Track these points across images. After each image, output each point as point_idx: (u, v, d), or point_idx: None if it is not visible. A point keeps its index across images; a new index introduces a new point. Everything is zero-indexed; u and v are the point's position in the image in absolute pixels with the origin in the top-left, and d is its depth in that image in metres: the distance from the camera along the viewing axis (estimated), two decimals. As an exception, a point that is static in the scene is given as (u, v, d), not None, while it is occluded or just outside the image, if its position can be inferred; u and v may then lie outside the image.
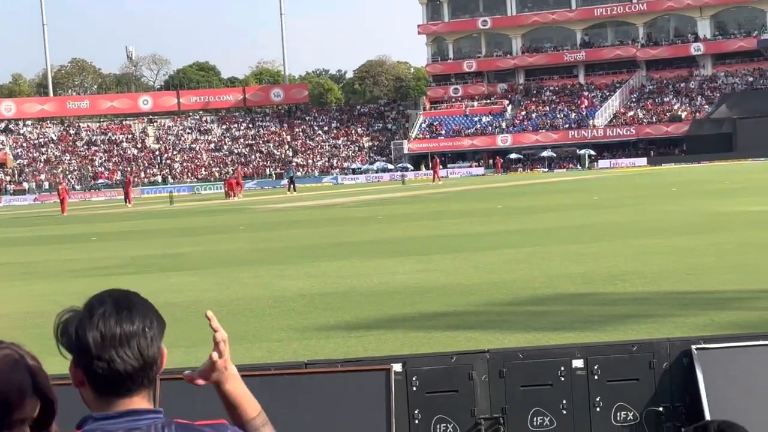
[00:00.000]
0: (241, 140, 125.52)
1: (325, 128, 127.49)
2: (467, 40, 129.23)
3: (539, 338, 10.93)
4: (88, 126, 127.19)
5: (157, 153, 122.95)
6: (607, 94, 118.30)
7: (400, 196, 57.25)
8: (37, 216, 60.69)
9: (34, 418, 2.33)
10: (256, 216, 44.86)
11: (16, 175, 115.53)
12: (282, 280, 18.24)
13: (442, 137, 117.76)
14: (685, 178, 59.48)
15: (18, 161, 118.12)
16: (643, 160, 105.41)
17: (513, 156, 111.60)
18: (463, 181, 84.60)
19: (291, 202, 57.23)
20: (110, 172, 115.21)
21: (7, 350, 2.34)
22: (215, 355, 2.72)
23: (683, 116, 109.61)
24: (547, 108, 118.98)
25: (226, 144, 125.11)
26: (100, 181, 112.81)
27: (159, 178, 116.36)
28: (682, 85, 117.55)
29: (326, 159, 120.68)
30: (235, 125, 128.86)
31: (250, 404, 2.80)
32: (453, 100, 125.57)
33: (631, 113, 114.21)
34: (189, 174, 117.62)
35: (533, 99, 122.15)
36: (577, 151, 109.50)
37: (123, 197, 73.07)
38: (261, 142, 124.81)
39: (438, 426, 5.05)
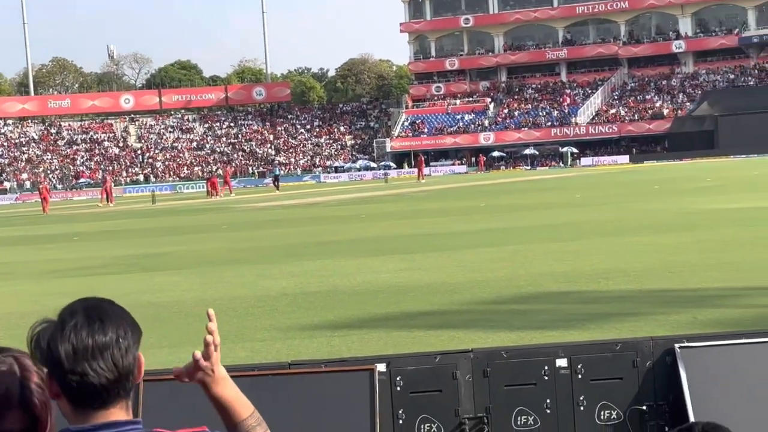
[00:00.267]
0: (224, 139, 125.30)
1: (308, 127, 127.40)
2: (449, 38, 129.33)
3: (523, 337, 10.94)
4: (69, 125, 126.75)
5: (139, 152, 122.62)
6: (589, 91, 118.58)
7: (383, 195, 57.24)
8: (19, 216, 60.44)
9: (20, 430, 2.32)
10: (238, 215, 44.79)
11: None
12: (265, 279, 18.21)
13: (425, 135, 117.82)
14: (667, 176, 59.65)
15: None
16: (626, 158, 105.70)
17: (495, 154, 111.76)
18: (446, 180, 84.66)
19: (274, 201, 57.15)
20: (92, 172, 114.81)
21: (4, 360, 2.33)
22: (198, 354, 2.67)
23: (666, 113, 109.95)
24: (530, 106, 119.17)
25: (208, 143, 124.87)
26: (82, 180, 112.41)
27: (141, 177, 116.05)
28: (664, 82, 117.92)
29: (309, 157, 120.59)
30: (218, 124, 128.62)
31: (241, 406, 2.74)
32: (435, 98, 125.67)
33: (613, 111, 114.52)
34: (171, 173, 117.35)
35: (515, 97, 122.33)
36: (560, 148, 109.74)
37: (101, 196, 72.77)
38: (243, 140, 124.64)
39: (422, 426, 5.05)
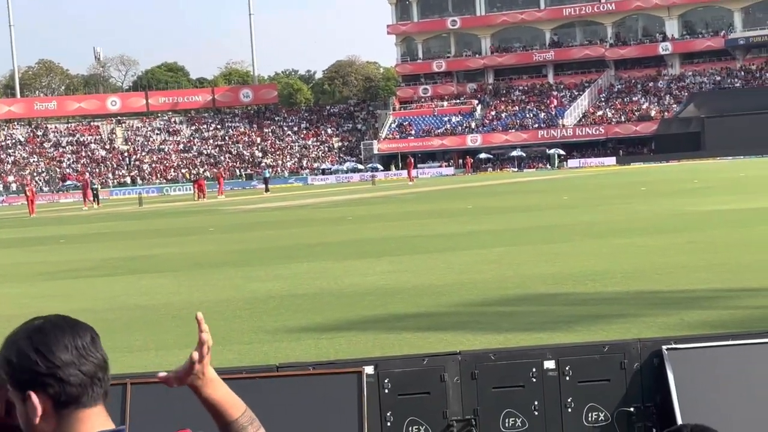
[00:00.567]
0: (211, 141, 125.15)
1: (295, 129, 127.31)
2: (436, 40, 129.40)
3: (510, 339, 10.95)
4: (55, 127, 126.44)
5: (125, 154, 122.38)
6: (576, 93, 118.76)
7: (371, 197, 57.23)
8: (5, 218, 60.26)
9: None
10: (226, 217, 44.74)
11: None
12: (253, 282, 18.19)
13: (412, 137, 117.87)
14: (654, 178, 59.78)
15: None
16: (612, 160, 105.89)
17: (483, 156, 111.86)
18: (434, 182, 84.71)
19: (261, 203, 57.11)
20: (78, 174, 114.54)
21: None
22: (195, 355, 2.65)
23: (652, 115, 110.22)
24: (517, 108, 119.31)
25: (195, 145, 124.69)
26: (69, 182, 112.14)
27: (128, 180, 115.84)
28: (651, 84, 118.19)
29: (296, 159, 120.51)
30: (204, 126, 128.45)
31: (232, 406, 2.72)
32: (422, 100, 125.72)
33: (600, 113, 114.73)
34: (158, 175, 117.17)
35: (502, 99, 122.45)
36: (547, 150, 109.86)
37: (83, 199, 72.52)
38: (230, 142, 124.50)
39: (410, 428, 5.05)
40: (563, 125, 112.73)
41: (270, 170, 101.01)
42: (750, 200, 32.40)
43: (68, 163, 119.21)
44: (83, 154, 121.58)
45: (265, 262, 21.75)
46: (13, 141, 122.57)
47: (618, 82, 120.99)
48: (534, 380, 5.09)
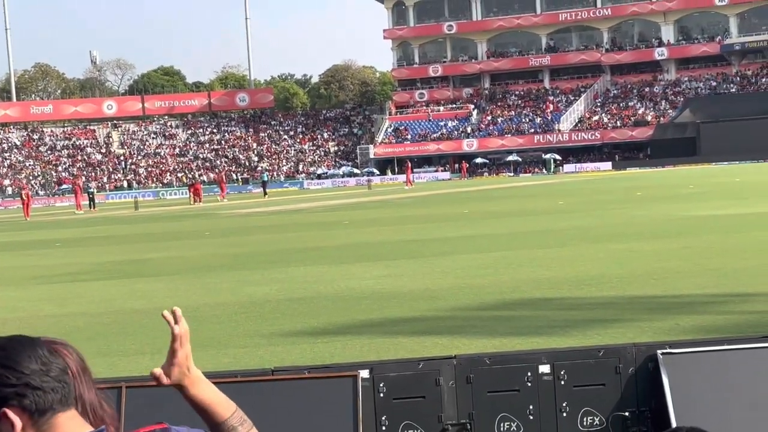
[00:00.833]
0: (207, 145, 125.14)
1: (291, 133, 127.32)
2: (433, 44, 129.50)
3: (506, 343, 10.95)
4: (51, 131, 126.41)
5: (121, 158, 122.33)
6: (572, 98, 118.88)
7: (367, 201, 57.24)
8: (0, 222, 60.20)
9: None
10: (222, 221, 44.72)
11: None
12: (248, 285, 18.19)
13: (408, 142, 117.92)
14: (649, 183, 59.83)
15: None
16: (608, 165, 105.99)
17: (479, 160, 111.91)
18: (430, 186, 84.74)
19: (257, 207, 57.11)
20: (74, 178, 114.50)
21: None
22: (157, 371, 2.68)
23: (648, 120, 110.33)
24: (513, 112, 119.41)
25: (191, 149, 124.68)
26: (64, 186, 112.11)
27: (124, 183, 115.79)
28: (647, 89, 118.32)
29: (292, 164, 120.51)
30: (201, 130, 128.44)
31: (220, 406, 2.73)
32: (419, 104, 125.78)
33: (596, 118, 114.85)
34: (154, 179, 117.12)
35: (499, 104, 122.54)
36: (543, 155, 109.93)
37: (76, 204, 72.35)
38: (226, 147, 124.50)
39: (405, 432, 5.05)
40: (559, 130, 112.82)
41: (268, 175, 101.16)
42: (745, 205, 32.44)
43: (64, 166, 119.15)
44: (79, 157, 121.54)
45: (261, 265, 21.75)
46: (9, 145, 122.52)
47: (614, 87, 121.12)
48: (529, 384, 5.09)
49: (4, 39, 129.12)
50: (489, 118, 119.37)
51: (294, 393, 4.95)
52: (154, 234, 36.86)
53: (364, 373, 5.03)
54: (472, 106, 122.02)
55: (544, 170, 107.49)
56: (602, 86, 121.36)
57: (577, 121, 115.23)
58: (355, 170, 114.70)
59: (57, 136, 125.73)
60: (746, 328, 10.98)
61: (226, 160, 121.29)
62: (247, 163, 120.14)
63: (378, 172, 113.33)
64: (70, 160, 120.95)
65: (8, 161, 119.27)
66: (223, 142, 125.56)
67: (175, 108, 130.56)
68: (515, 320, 12.78)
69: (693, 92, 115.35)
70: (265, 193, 79.20)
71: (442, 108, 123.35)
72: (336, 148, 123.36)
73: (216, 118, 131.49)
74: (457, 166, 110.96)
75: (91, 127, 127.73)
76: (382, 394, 5.02)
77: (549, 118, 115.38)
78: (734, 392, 4.96)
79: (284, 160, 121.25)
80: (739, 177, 59.12)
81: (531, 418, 5.09)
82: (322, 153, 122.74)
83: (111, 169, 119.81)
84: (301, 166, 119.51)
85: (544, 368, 5.11)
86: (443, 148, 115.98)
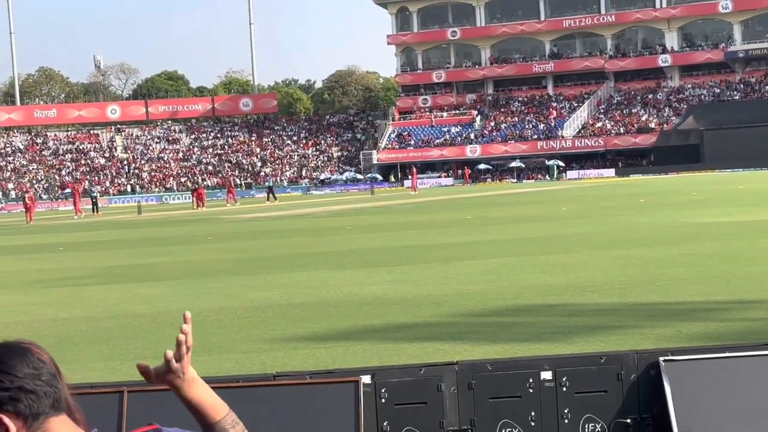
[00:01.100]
0: (210, 150, 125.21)
1: (294, 138, 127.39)
2: (436, 50, 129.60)
3: (508, 350, 10.94)
4: (55, 135, 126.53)
5: (125, 162, 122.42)
6: (576, 105, 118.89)
7: (370, 207, 57.25)
8: (3, 225, 60.25)
9: None
10: (225, 226, 44.73)
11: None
12: (251, 290, 18.19)
13: (411, 147, 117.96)
14: (652, 190, 59.80)
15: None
16: (611, 171, 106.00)
17: (482, 167, 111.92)
18: (433, 192, 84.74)
19: (260, 212, 57.12)
20: (78, 182, 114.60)
21: None
22: (169, 353, 2.67)
23: (652, 127, 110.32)
24: (516, 119, 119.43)
25: (194, 154, 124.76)
26: (68, 190, 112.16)
27: (128, 188, 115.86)
28: (650, 96, 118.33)
29: (295, 169, 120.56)
30: (204, 135, 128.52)
31: (213, 407, 2.74)
32: (422, 110, 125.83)
33: (599, 124, 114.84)
34: (157, 184, 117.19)
35: (502, 110, 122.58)
36: (546, 161, 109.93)
37: (74, 207, 71.94)
38: (230, 152, 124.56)
39: (407, 438, 5.05)
40: (562, 136, 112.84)
41: (274, 180, 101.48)
42: (748, 213, 32.43)
43: (68, 171, 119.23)
44: (83, 162, 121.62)
45: (263, 271, 21.75)
46: (13, 148, 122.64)
47: (617, 93, 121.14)
48: (531, 391, 5.09)
49: (9, 43, 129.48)
50: (492, 124, 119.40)
51: (296, 398, 4.96)
52: (157, 238, 36.88)
53: (366, 379, 5.03)
54: (476, 112, 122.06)
55: (547, 177, 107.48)
56: (606, 93, 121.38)
57: (580, 127, 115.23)
58: (359, 176, 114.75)
59: (60, 140, 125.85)
60: (749, 335, 10.97)
61: (230, 165, 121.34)
62: (250, 168, 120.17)
63: (381, 178, 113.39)
64: (73, 164, 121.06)
65: (12, 165, 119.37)
66: (226, 147, 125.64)
67: (179, 113, 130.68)
68: (517, 326, 12.77)
69: (696, 99, 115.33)
70: (275, 198, 79.26)
71: (445, 114, 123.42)
72: (339, 154, 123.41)
73: (219, 123, 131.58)
74: (460, 172, 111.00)
75: (95, 132, 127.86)
76: (383, 400, 5.03)
77: (552, 124, 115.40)
78: (736, 399, 4.96)
79: (287, 166, 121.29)
80: (743, 184, 59.09)
81: (533, 424, 5.09)
82: (326, 158, 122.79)
83: (114, 174, 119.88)
84: (304, 172, 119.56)
85: (546, 375, 5.11)
86: (446, 154, 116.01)
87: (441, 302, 15.27)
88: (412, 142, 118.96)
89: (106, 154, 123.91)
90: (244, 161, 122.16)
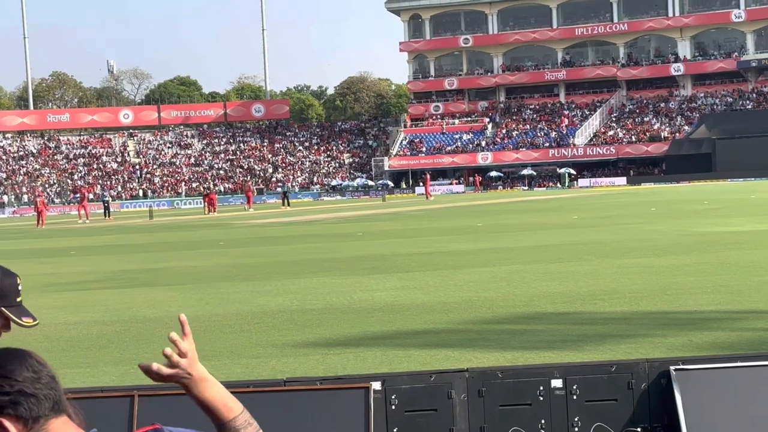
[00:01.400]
0: (222, 155, 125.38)
1: (306, 144, 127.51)
2: (448, 57, 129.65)
3: (518, 357, 10.93)
4: (68, 139, 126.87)
5: (137, 167, 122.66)
6: (588, 113, 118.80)
7: (381, 213, 57.24)
8: (15, 229, 60.39)
9: None
10: (236, 231, 44.76)
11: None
12: (261, 296, 18.19)
13: (423, 154, 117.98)
14: (664, 198, 59.69)
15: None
16: (623, 180, 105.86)
17: (493, 174, 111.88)
18: (444, 199, 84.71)
19: (272, 218, 57.18)
20: (90, 186, 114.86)
21: None
22: (167, 351, 2.70)
23: (663, 136, 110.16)
24: (528, 126, 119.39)
25: (206, 159, 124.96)
26: (79, 195, 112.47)
27: (140, 193, 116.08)
28: (662, 105, 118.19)
29: (307, 175, 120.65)
30: (216, 140, 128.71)
31: (225, 406, 2.75)
32: (434, 117, 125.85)
33: (611, 132, 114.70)
34: (169, 188, 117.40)
35: (514, 117, 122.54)
36: (557, 169, 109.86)
37: (78, 212, 72.00)
38: (242, 157, 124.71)
39: (417, 445, 5.05)
40: (574, 144, 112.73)
41: (287, 185, 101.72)
42: (761, 222, 32.35)
43: (80, 175, 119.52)
44: (95, 166, 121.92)
45: (274, 276, 21.76)
46: (26, 152, 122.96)
47: (629, 102, 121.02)
48: (541, 398, 5.09)
49: (23, 47, 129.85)
50: (504, 131, 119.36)
51: (306, 404, 4.96)
52: (169, 243, 36.92)
53: (376, 385, 5.03)
54: (487, 120, 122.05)
55: (558, 184, 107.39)
56: (618, 101, 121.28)
57: (592, 135, 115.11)
58: (370, 182, 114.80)
59: (73, 144, 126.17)
60: (760, 345, 10.94)
61: (241, 170, 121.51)
62: (262, 174, 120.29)
63: (392, 185, 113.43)
64: (85, 168, 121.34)
65: (24, 169, 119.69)
66: (238, 152, 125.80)
67: (191, 118, 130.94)
68: (528, 334, 12.75)
69: (709, 108, 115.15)
70: (288, 204, 79.30)
71: (457, 121, 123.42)
72: (351, 160, 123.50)
73: (231, 129, 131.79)
74: (471, 179, 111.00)
75: (107, 136, 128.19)
76: (394, 406, 5.03)
77: (564, 132, 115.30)
78: (748, 409, 4.95)
79: (299, 172, 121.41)
80: (755, 194, 58.94)
81: (543, 432, 5.08)
82: (337, 165, 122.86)
83: (126, 178, 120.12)
84: (315, 178, 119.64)
85: (557, 382, 5.11)
86: (458, 161, 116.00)
87: (451, 309, 15.26)
88: (424, 149, 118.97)
89: (119, 159, 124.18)
90: (255, 167, 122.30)
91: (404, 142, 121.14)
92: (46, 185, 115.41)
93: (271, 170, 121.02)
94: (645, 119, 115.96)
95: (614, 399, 5.09)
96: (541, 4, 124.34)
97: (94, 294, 19.93)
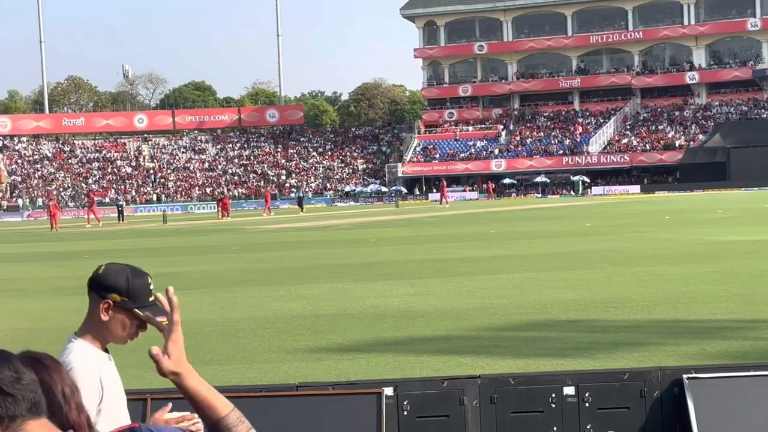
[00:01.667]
0: (236, 160, 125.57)
1: (320, 150, 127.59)
2: (463, 64, 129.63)
3: (530, 364, 10.92)
4: (83, 143, 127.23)
5: (151, 171, 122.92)
6: (602, 121, 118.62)
7: (394, 219, 57.26)
8: (29, 232, 60.58)
9: None
10: (249, 236, 44.82)
11: (9, 192, 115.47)
12: (274, 301, 18.22)
13: (436, 161, 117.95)
14: (678, 207, 59.57)
15: (12, 177, 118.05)
16: (637, 188, 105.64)
17: (506, 181, 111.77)
18: (457, 206, 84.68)
19: (285, 224, 57.24)
20: (104, 190, 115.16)
21: None
22: (156, 350, 2.78)
23: (678, 144, 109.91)
24: (542, 134, 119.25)
25: (220, 164, 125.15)
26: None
27: (153, 197, 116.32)
28: (677, 113, 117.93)
29: (320, 181, 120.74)
30: (230, 145, 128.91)
31: (218, 403, 2.79)
32: (448, 124, 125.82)
33: (625, 140, 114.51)
34: (183, 193, 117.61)
35: (528, 124, 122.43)
36: (571, 177, 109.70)
37: (87, 216, 71.72)
38: (255, 162, 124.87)
39: (428, 450, 5.05)
40: (588, 152, 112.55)
41: (304, 190, 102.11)
42: (775, 231, 32.26)
43: (94, 179, 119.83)
44: (109, 170, 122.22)
45: (287, 281, 21.79)
46: (41, 156, 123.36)
47: (644, 110, 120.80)
48: (553, 406, 5.08)
49: (39, 52, 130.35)
50: (518, 138, 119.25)
51: (318, 408, 4.96)
52: (182, 248, 37.00)
53: (389, 391, 5.03)
54: (501, 127, 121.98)
55: (572, 192, 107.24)
56: (632, 109, 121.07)
57: (606, 143, 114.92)
58: (383, 188, 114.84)
59: (88, 148, 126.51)
60: (773, 354, 10.91)
61: (255, 175, 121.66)
62: (275, 179, 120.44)
63: (406, 191, 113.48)
64: (100, 172, 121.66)
65: (39, 173, 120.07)
66: (252, 157, 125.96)
67: (206, 123, 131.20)
68: (540, 341, 12.74)
69: (723, 117, 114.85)
70: (302, 209, 79.58)
71: (471, 128, 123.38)
72: (364, 166, 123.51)
73: (245, 134, 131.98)
74: (484, 186, 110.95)
75: (122, 141, 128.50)
76: (405, 412, 5.03)
77: (578, 140, 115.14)
78: (760, 418, 4.94)
79: (312, 177, 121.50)
80: (769, 203, 58.76)
81: (555, 439, 5.08)
82: (351, 170, 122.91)
83: (140, 183, 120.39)
84: (329, 184, 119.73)
85: (569, 390, 5.10)
86: (471, 167, 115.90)
87: (464, 316, 15.26)
88: (437, 156, 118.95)
89: (133, 163, 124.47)
90: (269, 172, 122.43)
91: (418, 149, 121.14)
92: (61, 189, 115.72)
93: (284, 176, 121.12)
94: (659, 127, 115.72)
95: (626, 407, 5.09)
96: (556, 12, 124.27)
97: (108, 298, 19.96)
